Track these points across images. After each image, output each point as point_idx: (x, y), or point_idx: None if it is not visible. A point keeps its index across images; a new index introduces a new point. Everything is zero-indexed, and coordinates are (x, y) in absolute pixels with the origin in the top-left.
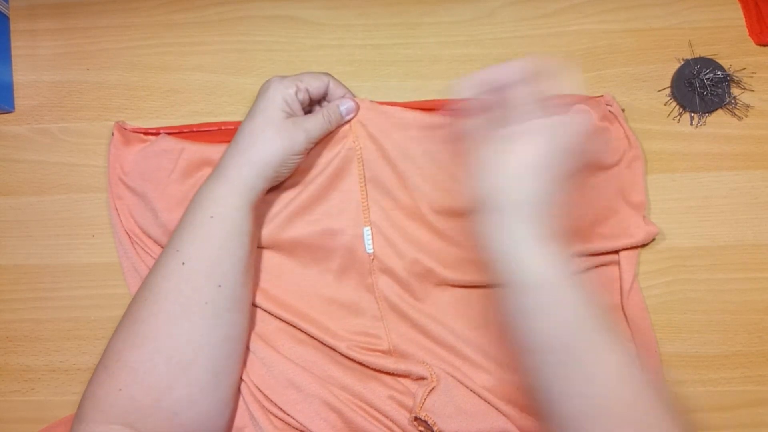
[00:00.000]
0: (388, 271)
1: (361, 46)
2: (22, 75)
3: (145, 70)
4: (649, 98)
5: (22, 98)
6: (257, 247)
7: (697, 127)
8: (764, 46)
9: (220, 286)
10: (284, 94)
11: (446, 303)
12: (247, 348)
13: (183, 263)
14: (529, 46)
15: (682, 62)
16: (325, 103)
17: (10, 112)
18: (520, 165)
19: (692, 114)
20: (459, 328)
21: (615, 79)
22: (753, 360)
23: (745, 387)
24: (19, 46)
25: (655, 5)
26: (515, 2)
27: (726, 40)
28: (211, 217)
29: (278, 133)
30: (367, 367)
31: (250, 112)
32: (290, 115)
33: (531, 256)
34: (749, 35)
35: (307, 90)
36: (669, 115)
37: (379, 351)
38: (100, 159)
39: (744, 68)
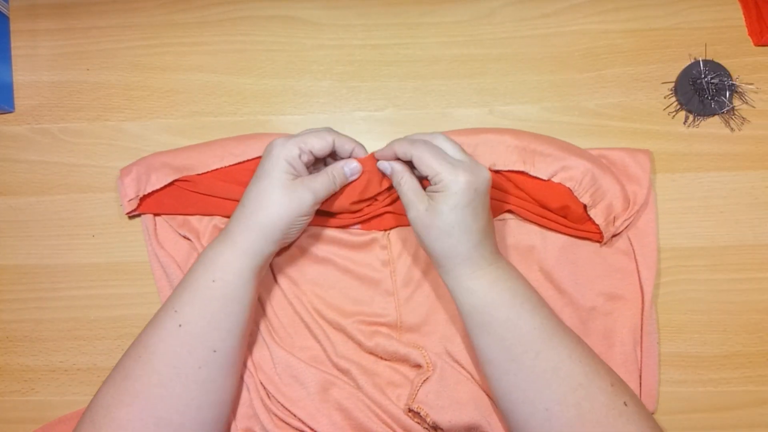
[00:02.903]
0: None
1: (361, 46)
2: (22, 75)
3: (145, 70)
4: (649, 98)
5: (22, 98)
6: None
7: (689, 127)
8: (764, 46)
9: (215, 351)
10: (287, 157)
11: None
12: (263, 343)
13: (180, 325)
14: (529, 46)
15: (693, 60)
16: (330, 161)
17: (10, 112)
18: (450, 214)
19: (688, 114)
20: None
21: (615, 80)
22: (753, 360)
23: (746, 387)
24: (19, 46)
25: (655, 5)
26: (515, 2)
27: (726, 40)
28: (213, 281)
29: (285, 195)
30: (369, 352)
31: (256, 175)
32: (296, 176)
33: (471, 288)
34: (749, 35)
35: (311, 152)
36: (666, 108)
37: (384, 325)
38: (100, 159)
39: (752, 83)
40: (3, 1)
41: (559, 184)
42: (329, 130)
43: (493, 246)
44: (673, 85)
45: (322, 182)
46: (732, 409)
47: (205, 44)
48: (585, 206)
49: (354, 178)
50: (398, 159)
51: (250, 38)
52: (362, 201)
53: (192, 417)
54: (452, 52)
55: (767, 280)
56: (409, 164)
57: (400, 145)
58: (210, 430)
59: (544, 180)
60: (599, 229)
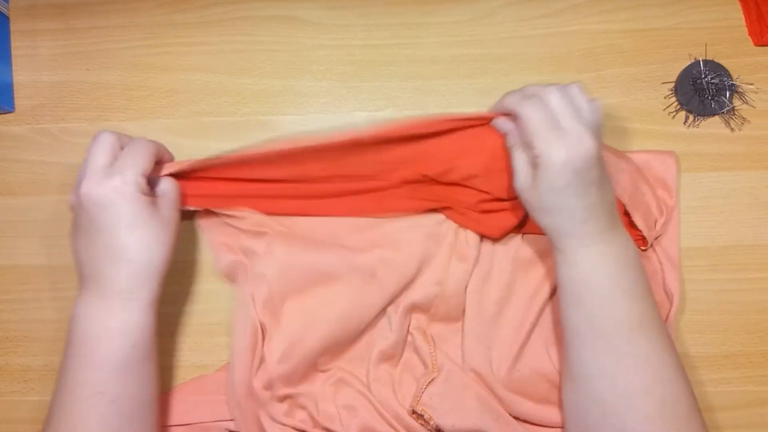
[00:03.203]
0: None
1: (361, 47)
2: (22, 75)
3: (145, 70)
4: (649, 98)
5: (22, 98)
6: None
7: (689, 127)
8: (764, 46)
9: (147, 405)
10: (142, 190)
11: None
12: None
13: (113, 401)
14: (529, 47)
15: (693, 60)
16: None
17: (10, 112)
18: (549, 195)
19: (688, 114)
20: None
21: (615, 80)
22: (753, 360)
23: (746, 387)
24: (19, 46)
25: (655, 5)
26: (515, 2)
27: (726, 40)
28: (133, 346)
29: (164, 229)
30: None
31: (119, 224)
32: (150, 200)
33: (574, 261)
34: (749, 35)
35: (144, 175)
36: (666, 108)
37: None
38: None
39: (752, 83)
40: (3, 1)
41: None
42: (148, 143)
43: (606, 220)
44: (673, 85)
45: (169, 203)
46: (732, 409)
47: (205, 44)
48: (626, 212)
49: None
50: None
51: (250, 38)
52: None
53: None
54: (452, 52)
55: (767, 281)
56: None
57: (510, 99)
58: None
59: None
60: (640, 234)
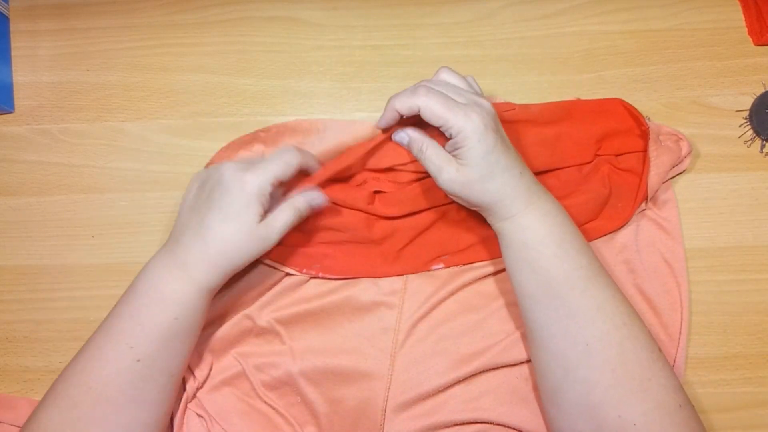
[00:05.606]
0: None
1: (361, 47)
2: (22, 75)
3: (144, 70)
4: (649, 100)
5: (22, 98)
6: None
7: (766, 156)
8: (764, 45)
9: (172, 375)
10: (261, 197)
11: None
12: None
13: (138, 360)
14: (529, 47)
15: (766, 89)
16: (289, 195)
17: (10, 112)
18: (485, 159)
19: (765, 142)
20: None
21: (615, 81)
22: (753, 361)
23: (745, 388)
24: (19, 47)
25: (654, 6)
26: (515, 3)
27: (726, 41)
28: (176, 318)
29: (252, 240)
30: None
31: (221, 211)
32: (264, 214)
33: (523, 224)
34: (749, 34)
35: (280, 182)
36: (740, 137)
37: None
38: (100, 159)
39: None
40: (3, 1)
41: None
42: (293, 152)
43: (531, 173)
44: (747, 113)
45: (286, 218)
46: (731, 410)
47: (205, 45)
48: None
49: (318, 206)
50: (406, 121)
51: (250, 39)
52: (387, 170)
53: (146, 428)
54: (452, 53)
55: (767, 282)
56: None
57: (401, 101)
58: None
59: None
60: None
